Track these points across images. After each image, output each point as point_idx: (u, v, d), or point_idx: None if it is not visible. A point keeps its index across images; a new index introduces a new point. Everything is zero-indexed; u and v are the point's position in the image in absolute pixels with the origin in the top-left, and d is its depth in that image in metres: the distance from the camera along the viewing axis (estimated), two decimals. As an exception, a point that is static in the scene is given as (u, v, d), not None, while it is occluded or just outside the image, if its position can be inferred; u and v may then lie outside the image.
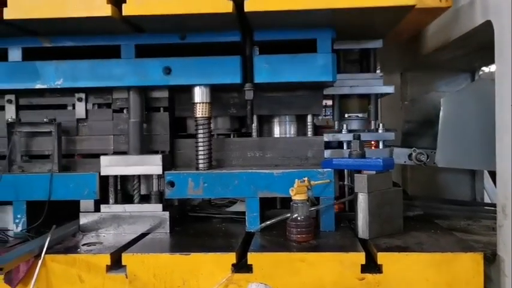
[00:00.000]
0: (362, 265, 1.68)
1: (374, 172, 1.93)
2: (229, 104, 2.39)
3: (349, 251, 1.73)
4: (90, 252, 1.81)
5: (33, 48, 2.20)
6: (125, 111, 2.32)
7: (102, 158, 2.16)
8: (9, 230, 2.14)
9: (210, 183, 2.11)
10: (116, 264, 1.79)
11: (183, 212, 2.44)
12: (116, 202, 2.19)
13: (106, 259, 1.76)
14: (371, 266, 1.71)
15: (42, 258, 1.74)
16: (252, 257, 1.73)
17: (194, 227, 2.22)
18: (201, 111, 2.18)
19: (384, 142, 2.34)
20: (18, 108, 2.34)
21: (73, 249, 1.88)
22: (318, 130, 2.44)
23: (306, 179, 1.95)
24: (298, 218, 1.91)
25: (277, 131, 2.48)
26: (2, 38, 2.17)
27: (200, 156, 2.19)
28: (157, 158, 2.14)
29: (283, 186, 2.04)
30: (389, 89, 2.38)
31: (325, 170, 2.06)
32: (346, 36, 2.24)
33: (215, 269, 1.73)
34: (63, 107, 2.37)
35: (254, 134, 2.38)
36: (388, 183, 1.98)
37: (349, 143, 2.32)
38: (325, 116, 8.23)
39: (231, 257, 1.74)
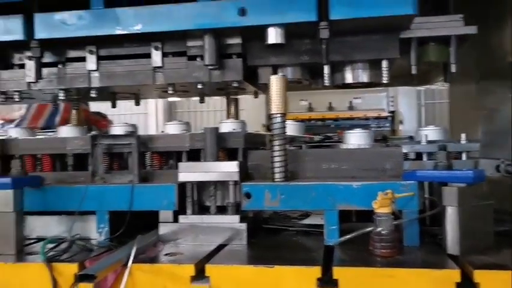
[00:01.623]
0: (457, 283, 1.59)
1: (463, 185, 1.83)
2: (300, 51, 2.35)
3: (443, 267, 1.64)
4: (173, 263, 1.83)
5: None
6: (198, 59, 2.34)
7: (180, 164, 2.21)
8: (92, 238, 2.20)
9: (287, 195, 2.09)
10: (199, 274, 1.80)
11: (257, 224, 2.43)
12: (194, 213, 2.21)
13: (190, 270, 1.78)
14: (466, 285, 1.62)
15: (129, 268, 1.77)
16: (337, 272, 1.68)
17: (270, 239, 2.21)
18: (276, 106, 2.13)
19: (467, 154, 2.23)
20: (99, 58, 2.40)
21: (156, 259, 1.90)
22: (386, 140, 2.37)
23: (389, 191, 1.88)
24: (383, 232, 1.84)
25: (349, 78, 2.42)
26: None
27: (276, 168, 2.17)
28: (234, 164, 2.16)
29: (363, 198, 1.99)
30: (471, 29, 2.19)
31: (408, 182, 1.99)
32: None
33: (299, 283, 1.70)
34: (140, 56, 2.40)
35: (326, 81, 2.31)
36: (478, 196, 1.88)
37: (429, 154, 2.24)
38: (379, 128, 8.11)
39: (316, 271, 1.70)
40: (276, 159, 2.17)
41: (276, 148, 2.17)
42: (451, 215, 1.81)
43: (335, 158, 2.30)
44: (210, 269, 1.77)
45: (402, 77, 2.59)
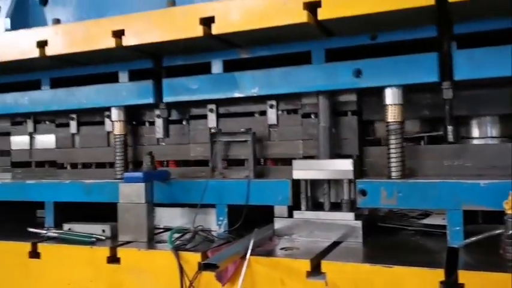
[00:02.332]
0: None
1: None
2: (421, 105, 2.26)
3: None
4: (290, 257, 1.86)
5: (231, 61, 2.39)
6: (312, 116, 2.37)
7: (294, 162, 2.23)
8: (212, 230, 2.33)
9: (405, 193, 2.01)
10: (314, 270, 1.81)
11: (372, 222, 2.37)
12: (307, 209, 2.23)
13: (306, 265, 1.79)
14: None
15: (247, 260, 1.85)
16: (463, 275, 1.57)
17: (386, 238, 2.14)
18: (393, 114, 2.09)
19: None
20: (218, 116, 2.56)
21: (273, 252, 1.96)
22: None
23: (523, 191, 1.71)
24: (515, 235, 1.69)
25: (475, 134, 2.26)
26: (206, 52, 2.40)
27: (393, 164, 2.10)
28: (348, 162, 2.13)
29: (491, 198, 1.84)
30: None
31: (545, 181, 1.79)
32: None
33: (420, 285, 1.62)
34: (257, 114, 2.52)
35: (451, 137, 2.16)
36: None
37: None
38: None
39: (439, 274, 1.61)
40: (393, 155, 2.10)
41: (392, 143, 2.10)
42: None
43: (459, 154, 2.16)
44: (326, 265, 1.77)
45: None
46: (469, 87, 2.14)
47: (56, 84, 2.80)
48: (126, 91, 2.58)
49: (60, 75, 2.78)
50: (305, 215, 2.20)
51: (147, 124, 2.77)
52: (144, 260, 2.05)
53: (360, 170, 2.28)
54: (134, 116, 2.78)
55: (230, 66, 2.40)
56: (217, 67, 2.41)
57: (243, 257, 1.86)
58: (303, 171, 2.20)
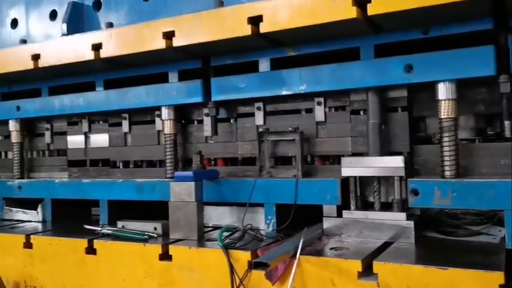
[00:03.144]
0: None
1: None
2: (475, 101, 2.18)
3: None
4: (340, 257, 1.84)
5: (279, 59, 2.40)
6: (361, 112, 2.33)
7: (343, 159, 2.21)
8: (260, 229, 2.34)
9: (459, 193, 1.94)
10: (366, 271, 1.78)
11: (424, 222, 2.30)
12: (357, 208, 2.20)
13: (357, 265, 1.77)
14: None
15: (297, 259, 1.84)
16: (524, 279, 1.51)
17: (439, 239, 2.08)
18: (446, 110, 2.03)
19: None
20: (266, 114, 2.57)
21: (322, 252, 1.95)
22: None
23: None
24: None
25: None
26: (253, 51, 2.42)
27: (446, 163, 2.04)
28: (399, 159, 2.08)
29: (553, 198, 1.74)
30: None
31: None
32: None
33: (477, 288, 1.57)
34: (304, 111, 2.50)
35: (508, 133, 2.05)
36: None
37: None
38: None
39: (498, 277, 1.55)
40: (446, 153, 2.04)
41: (446, 141, 2.04)
42: None
43: (516, 153, 2.06)
44: (378, 266, 1.74)
45: None
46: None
47: (109, 85, 2.90)
48: (176, 91, 2.63)
49: (113, 77, 2.88)
50: (354, 214, 2.17)
51: (195, 123, 2.82)
52: (194, 258, 2.09)
53: (411, 169, 2.22)
54: (183, 115, 2.83)
55: (277, 65, 2.40)
56: (264, 65, 2.42)
57: (293, 256, 1.86)
58: (352, 168, 2.18)
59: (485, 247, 1.92)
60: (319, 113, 2.44)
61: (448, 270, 1.63)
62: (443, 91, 2.03)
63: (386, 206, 2.19)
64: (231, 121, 2.70)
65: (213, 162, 2.76)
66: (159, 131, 2.89)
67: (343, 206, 2.21)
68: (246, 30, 2.15)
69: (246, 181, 2.39)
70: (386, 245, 2.01)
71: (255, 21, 2.14)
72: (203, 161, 2.52)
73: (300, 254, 1.86)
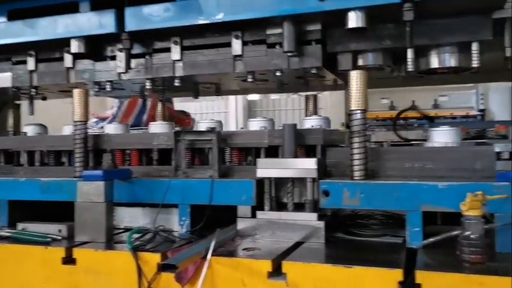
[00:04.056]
0: (558, 295, 1.45)
1: None
2: (383, 36, 2.27)
3: (542, 277, 1.50)
4: (251, 257, 1.84)
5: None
6: (277, 46, 2.34)
7: (258, 160, 2.23)
8: (174, 231, 2.28)
9: (367, 194, 2.02)
10: (276, 271, 1.79)
11: (335, 223, 2.38)
12: (271, 209, 2.21)
13: (267, 265, 1.78)
14: None
15: (208, 260, 1.82)
16: (420, 276, 1.60)
17: (348, 239, 2.15)
18: (356, 103, 2.08)
19: None
20: (182, 49, 2.50)
21: (234, 253, 1.93)
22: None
23: (479, 192, 1.75)
24: (472, 236, 1.72)
25: (435, 63, 2.30)
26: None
27: (355, 165, 2.11)
28: (312, 161, 2.13)
29: (450, 200, 1.87)
30: None
31: (501, 183, 1.84)
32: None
33: (380, 285, 1.64)
34: (221, 46, 2.45)
35: (410, 66, 2.19)
36: None
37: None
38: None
39: (398, 274, 1.63)
40: (356, 156, 2.11)
41: (356, 145, 2.12)
42: (552, 220, 1.65)
43: (419, 157, 2.19)
44: (287, 265, 1.76)
45: (493, 71, 2.41)
46: (430, 16, 2.14)
47: (14, 16, 2.67)
48: (88, 21, 2.49)
49: (18, 7, 2.66)
50: (268, 215, 2.18)
51: (108, 60, 2.67)
52: (101, 261, 1.99)
53: (324, 171, 2.28)
54: (95, 51, 2.66)
55: None
56: None
57: (204, 258, 1.83)
58: (267, 169, 2.19)
59: (389, 246, 2.01)
60: (237, 46, 2.41)
61: (352, 268, 1.68)
62: (354, 19, 2.08)
63: (299, 207, 2.22)
64: (146, 57, 2.59)
65: (127, 163, 2.66)
66: (68, 68, 2.72)
67: (258, 206, 2.22)
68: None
69: (160, 181, 2.32)
70: (297, 245, 2.05)
71: None
72: (115, 160, 2.41)
73: (212, 255, 1.83)
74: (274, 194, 2.25)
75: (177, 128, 2.48)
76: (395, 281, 1.62)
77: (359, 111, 2.09)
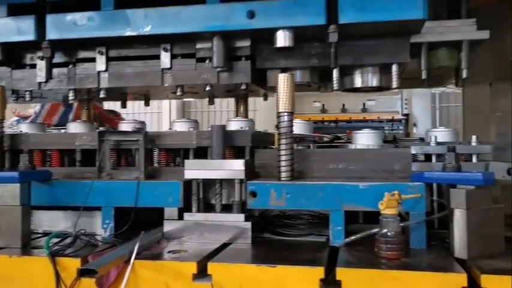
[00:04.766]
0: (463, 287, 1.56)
1: (472, 187, 1.79)
2: (310, 55, 2.33)
3: (449, 271, 1.60)
4: (176, 260, 1.82)
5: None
6: (207, 61, 2.34)
7: (186, 161, 2.20)
8: (97, 234, 2.20)
9: (293, 195, 2.07)
10: (201, 272, 1.78)
11: (263, 223, 2.40)
12: (199, 211, 2.20)
13: (192, 267, 1.76)
14: (472, 289, 1.58)
15: (131, 264, 1.77)
16: (340, 273, 1.66)
17: (275, 239, 2.19)
18: (284, 105, 2.11)
19: (477, 156, 2.19)
20: (108, 59, 2.42)
21: (160, 255, 1.90)
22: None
23: (396, 192, 1.85)
24: (388, 234, 1.81)
25: (358, 83, 2.41)
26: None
27: (283, 167, 2.15)
28: (240, 163, 2.14)
29: (370, 199, 1.95)
30: (484, 35, 2.17)
31: (415, 183, 1.95)
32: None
33: (302, 283, 1.68)
34: (149, 58, 2.41)
35: (335, 85, 2.29)
36: (487, 199, 1.83)
37: (438, 156, 2.20)
38: (393, 130, 8.03)
39: (319, 272, 1.67)
40: (283, 158, 2.15)
41: (283, 147, 2.15)
42: (458, 218, 1.77)
43: (343, 158, 2.28)
44: (212, 267, 1.76)
45: (414, 79, 2.55)
46: (354, 38, 2.23)
47: None
48: (5, 27, 2.35)
49: None
50: (195, 216, 2.16)
51: (28, 68, 2.53)
52: (16, 267, 1.88)
53: (252, 172, 2.30)
54: (14, 58, 2.52)
55: (123, 4, 2.28)
56: (108, 3, 2.27)
57: (127, 262, 1.78)
58: (195, 171, 2.17)
59: (313, 246, 2.05)
60: (165, 59, 2.37)
61: (276, 268, 1.71)
62: (282, 38, 2.13)
63: (227, 208, 2.22)
64: (70, 66, 2.48)
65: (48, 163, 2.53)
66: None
67: (186, 208, 2.19)
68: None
69: (82, 183, 2.23)
70: (225, 246, 2.05)
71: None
72: (33, 160, 2.28)
73: (135, 259, 1.79)
74: (202, 196, 2.24)
75: (102, 128, 2.38)
76: (317, 279, 1.66)
77: (286, 114, 2.13)
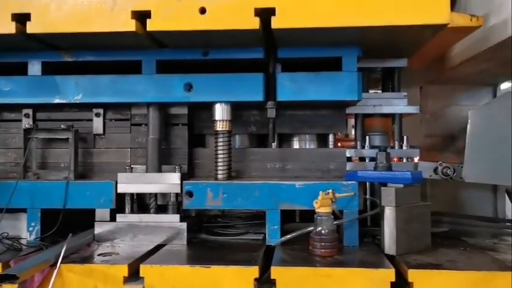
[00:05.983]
0: (391, 282, 1.60)
1: (401, 185, 1.86)
2: (249, 122, 2.35)
3: (378, 267, 1.65)
4: (107, 263, 1.74)
5: (53, 63, 2.18)
6: (142, 125, 2.28)
7: (119, 175, 2.10)
8: (22, 238, 2.08)
9: (229, 194, 2.05)
10: (133, 275, 1.72)
11: (200, 223, 2.37)
12: (132, 212, 2.13)
13: (123, 270, 1.70)
14: (400, 284, 1.63)
15: (57, 268, 1.68)
16: (275, 272, 1.66)
17: (211, 239, 2.16)
18: (221, 126, 2.13)
19: (407, 158, 2.29)
20: (35, 122, 2.30)
21: (89, 259, 1.81)
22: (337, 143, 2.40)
23: (330, 191, 1.88)
24: (323, 232, 1.84)
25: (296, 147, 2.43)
26: (22, 52, 2.14)
27: (219, 166, 2.13)
28: (176, 176, 2.08)
29: (306, 198, 1.98)
30: (414, 109, 2.34)
31: (349, 182, 2.00)
32: (370, 54, 2.17)
33: (237, 283, 1.66)
34: (81, 121, 2.32)
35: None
36: (416, 197, 1.91)
37: (372, 158, 2.26)
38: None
39: (254, 271, 1.67)
40: (220, 157, 2.13)
41: (220, 146, 2.13)
42: (388, 215, 1.83)
43: (280, 158, 2.29)
44: (144, 269, 1.70)
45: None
46: (293, 108, 2.30)
47: None
48: None
49: None
50: (129, 218, 2.09)
51: None
52: None
53: (189, 173, 2.26)
54: None
55: (53, 70, 2.18)
56: (35, 68, 2.17)
57: (53, 265, 1.69)
58: (128, 184, 2.09)
59: (249, 245, 2.05)
60: (98, 125, 2.29)
61: (210, 268, 1.68)
62: (220, 111, 2.11)
63: (163, 209, 2.17)
64: None
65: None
66: None
67: (119, 209, 2.11)
68: (10, 27, 1.88)
69: (6, 183, 2.09)
70: (159, 248, 1.99)
71: (21, 19, 1.88)
72: None
73: (62, 263, 1.70)
74: (136, 196, 2.17)
75: (28, 126, 2.25)
76: (252, 278, 1.65)
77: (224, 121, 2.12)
